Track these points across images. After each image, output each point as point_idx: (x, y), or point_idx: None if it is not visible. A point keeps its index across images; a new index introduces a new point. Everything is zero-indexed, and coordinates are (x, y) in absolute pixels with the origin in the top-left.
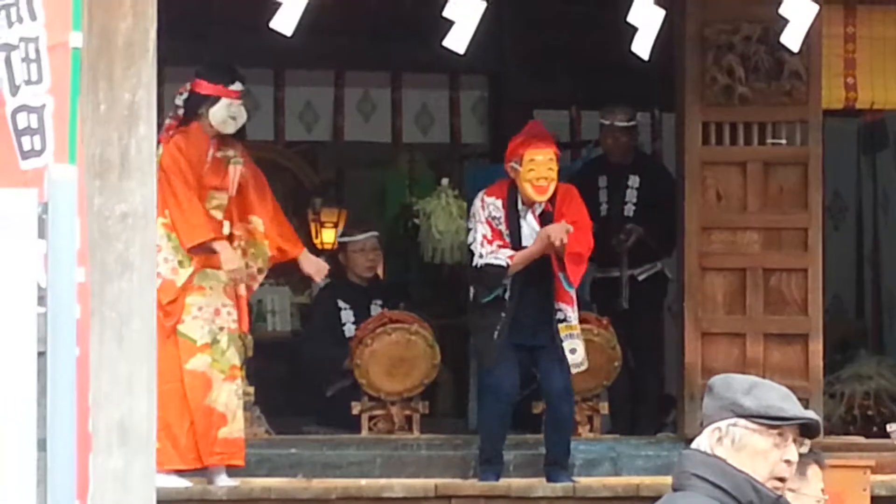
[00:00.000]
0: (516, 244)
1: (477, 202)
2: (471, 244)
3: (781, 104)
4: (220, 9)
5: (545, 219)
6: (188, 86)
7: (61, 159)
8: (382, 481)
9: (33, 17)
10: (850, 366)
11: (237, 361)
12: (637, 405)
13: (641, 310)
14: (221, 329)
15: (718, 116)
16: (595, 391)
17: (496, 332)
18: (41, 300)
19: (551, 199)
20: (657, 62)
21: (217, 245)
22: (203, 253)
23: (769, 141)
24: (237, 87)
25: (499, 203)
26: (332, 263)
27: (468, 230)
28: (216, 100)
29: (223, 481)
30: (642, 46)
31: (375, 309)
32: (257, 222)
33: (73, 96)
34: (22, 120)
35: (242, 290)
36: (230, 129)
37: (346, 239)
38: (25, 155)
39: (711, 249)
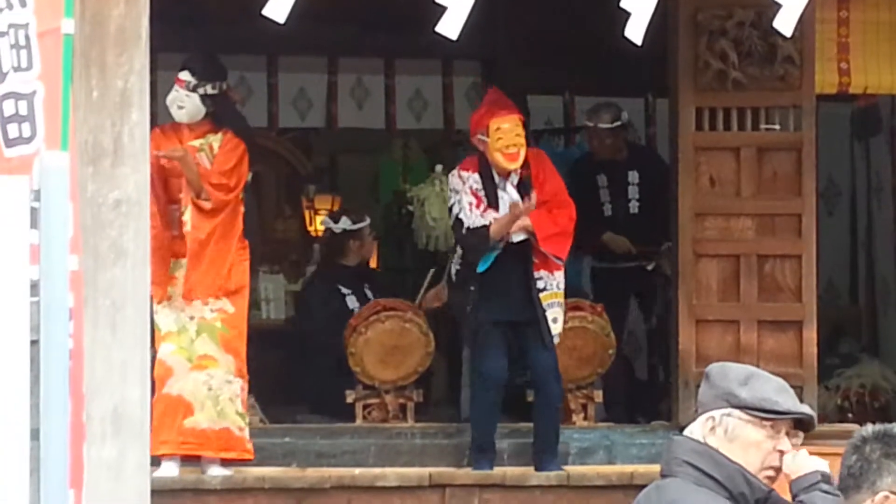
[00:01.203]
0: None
1: (454, 178)
2: (458, 214)
3: (775, 89)
4: None
5: (523, 186)
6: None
7: (53, 146)
8: (376, 470)
9: (23, 3)
10: (851, 369)
11: (210, 350)
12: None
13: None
14: (192, 318)
15: (712, 102)
16: (589, 379)
17: (468, 307)
18: (34, 289)
19: (525, 165)
20: (650, 47)
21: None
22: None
23: (763, 126)
24: (184, 76)
25: (476, 176)
26: (340, 247)
27: (450, 206)
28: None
29: (215, 471)
30: (635, 32)
31: (368, 293)
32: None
33: (65, 83)
34: (9, 107)
35: None
36: (176, 116)
37: (359, 225)
38: (10, 142)
39: (705, 236)
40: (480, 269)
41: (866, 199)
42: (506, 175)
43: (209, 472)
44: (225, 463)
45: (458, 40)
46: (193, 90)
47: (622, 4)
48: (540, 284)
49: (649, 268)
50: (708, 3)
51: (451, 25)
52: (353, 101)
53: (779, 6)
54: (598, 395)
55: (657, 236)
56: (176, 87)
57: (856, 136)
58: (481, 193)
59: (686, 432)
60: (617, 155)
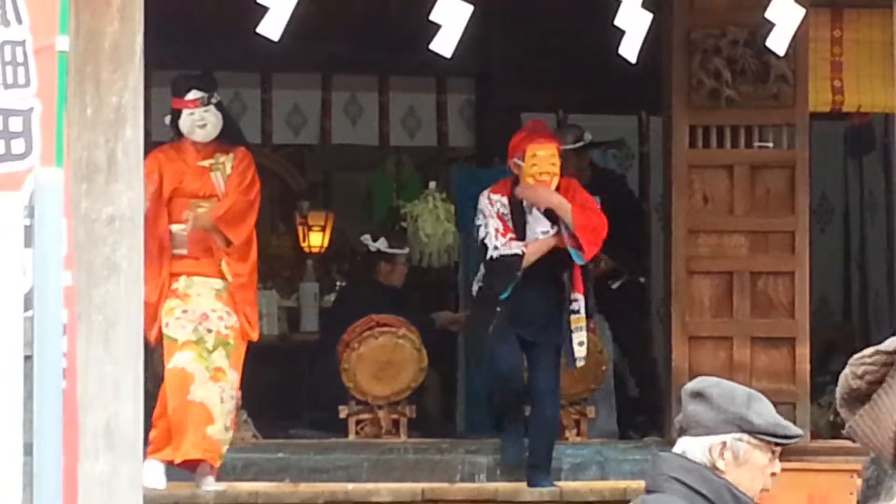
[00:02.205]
0: (522, 241)
1: (483, 200)
2: (483, 238)
3: (768, 107)
4: (207, 13)
5: (551, 215)
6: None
7: (47, 163)
8: (369, 485)
9: (19, 20)
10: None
11: (224, 365)
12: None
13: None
14: (209, 331)
15: (705, 119)
16: (582, 395)
17: (491, 327)
18: (28, 304)
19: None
20: (644, 65)
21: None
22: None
23: (756, 144)
24: (193, 95)
25: (505, 200)
26: (371, 266)
27: (476, 227)
28: (179, 112)
29: (210, 485)
30: (630, 50)
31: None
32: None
33: (59, 100)
34: (4, 123)
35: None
36: (199, 136)
37: (396, 251)
38: (2, 158)
39: (698, 253)
40: (503, 296)
41: (859, 216)
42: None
43: (204, 485)
44: (218, 476)
45: (452, 58)
46: (208, 104)
47: (617, 22)
48: (574, 306)
49: (614, 286)
50: (702, 21)
51: (445, 43)
52: (347, 118)
53: (772, 25)
54: (591, 412)
55: (624, 258)
56: (189, 109)
57: (849, 154)
58: (507, 218)
59: (677, 450)
60: (581, 177)
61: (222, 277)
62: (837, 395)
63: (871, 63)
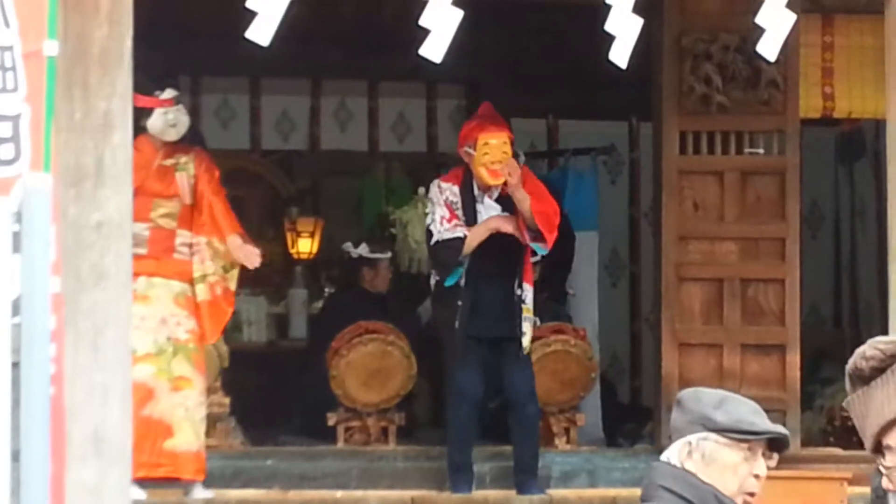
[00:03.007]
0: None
1: (433, 188)
2: (429, 225)
3: (759, 113)
4: (195, 18)
5: (503, 203)
6: None
7: (35, 168)
8: (358, 493)
9: (7, 24)
10: (832, 387)
11: (186, 372)
12: None
13: None
14: (168, 339)
15: (696, 126)
16: (572, 403)
17: (456, 322)
18: (15, 310)
19: (506, 183)
20: (635, 71)
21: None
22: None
23: (747, 150)
24: (168, 94)
25: (455, 189)
26: (355, 272)
27: (426, 215)
28: (150, 111)
29: (198, 493)
30: (620, 55)
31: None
32: (216, 243)
33: (48, 105)
34: None
35: (201, 296)
36: (171, 136)
37: (378, 256)
38: None
39: (688, 259)
40: (448, 283)
41: (850, 223)
42: (486, 190)
43: (193, 494)
44: (206, 483)
45: (442, 63)
46: (178, 103)
47: (607, 28)
48: (522, 296)
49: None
50: (692, 27)
51: (435, 49)
52: (337, 124)
53: (763, 30)
54: (581, 419)
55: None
56: (163, 108)
57: (840, 161)
58: (456, 207)
59: (663, 458)
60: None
61: (182, 280)
62: (847, 367)
63: (862, 69)
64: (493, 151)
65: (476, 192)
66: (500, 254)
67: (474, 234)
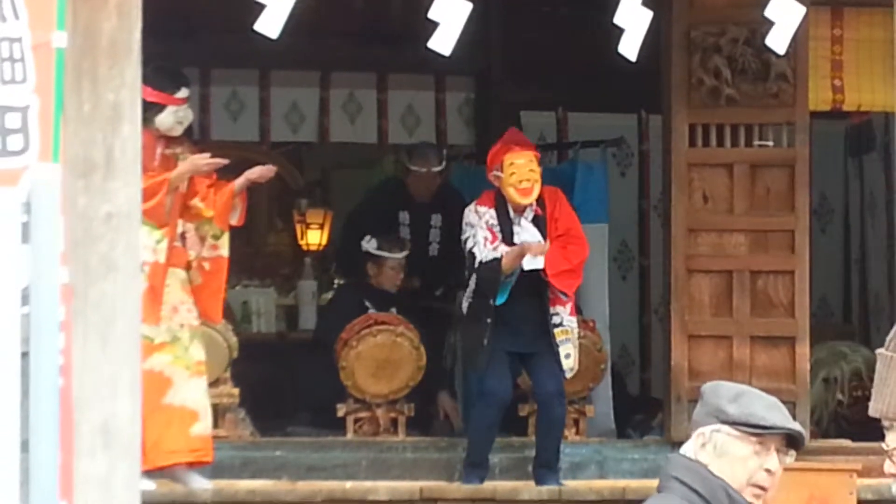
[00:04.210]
0: None
1: (470, 213)
2: (472, 248)
3: (768, 106)
4: (205, 10)
5: (538, 223)
6: None
7: (45, 159)
8: (367, 484)
9: (16, 16)
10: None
11: (202, 357)
12: None
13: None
14: (181, 326)
15: (705, 118)
16: (581, 394)
17: (485, 339)
18: (24, 300)
19: (540, 202)
20: (644, 64)
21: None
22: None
23: (756, 143)
24: (183, 93)
25: (492, 212)
26: (361, 269)
27: (464, 240)
28: (162, 107)
29: (197, 483)
30: (629, 48)
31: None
32: (196, 203)
33: (57, 96)
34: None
35: (196, 279)
36: (178, 132)
37: (384, 254)
38: None
39: (698, 252)
40: (499, 302)
41: (859, 216)
42: (520, 211)
43: (192, 482)
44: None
45: (451, 56)
46: (188, 102)
47: (616, 21)
48: (556, 320)
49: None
50: (702, 19)
51: (444, 41)
52: (346, 116)
53: (772, 23)
54: (591, 410)
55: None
56: (175, 106)
57: (849, 154)
58: (496, 229)
59: (682, 449)
60: (427, 196)
61: (185, 268)
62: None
63: (872, 62)
64: (519, 171)
65: (511, 214)
66: (533, 275)
67: (506, 260)
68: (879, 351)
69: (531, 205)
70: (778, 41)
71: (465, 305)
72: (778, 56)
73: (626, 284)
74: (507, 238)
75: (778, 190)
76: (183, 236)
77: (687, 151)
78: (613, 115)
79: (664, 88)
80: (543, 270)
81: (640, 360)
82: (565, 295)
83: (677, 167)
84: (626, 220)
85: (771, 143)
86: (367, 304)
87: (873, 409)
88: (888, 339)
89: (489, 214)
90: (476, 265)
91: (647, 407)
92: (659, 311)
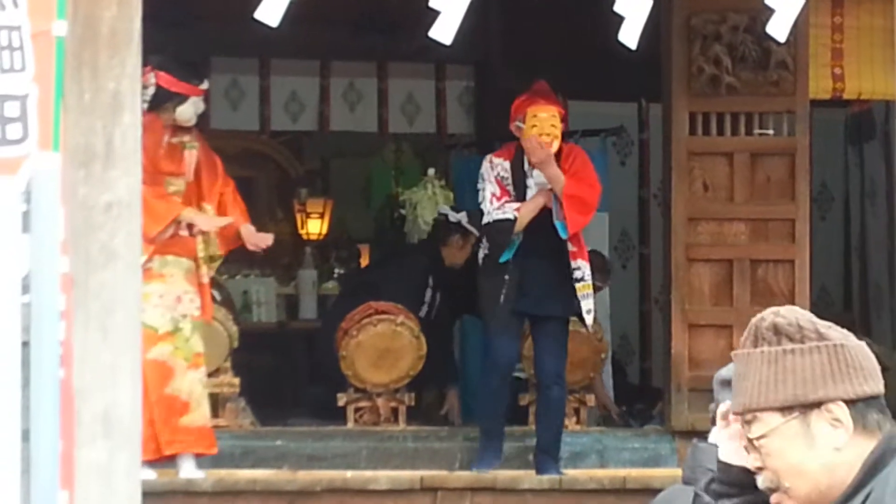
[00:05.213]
0: (523, 201)
1: (485, 163)
2: (481, 203)
3: (769, 94)
4: None
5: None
6: (152, 78)
7: (45, 148)
8: (368, 473)
9: (16, 4)
10: None
11: (201, 349)
12: None
13: None
14: (184, 316)
15: (705, 106)
16: (582, 383)
17: (501, 297)
18: (24, 289)
19: (557, 159)
20: (644, 52)
21: (186, 215)
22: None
23: (756, 131)
24: (205, 85)
25: (507, 164)
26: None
27: (478, 191)
28: (185, 98)
29: (189, 472)
30: (629, 36)
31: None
32: (208, 209)
33: (57, 85)
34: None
35: (205, 277)
36: (193, 122)
37: (472, 229)
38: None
39: (698, 240)
40: (502, 260)
41: (860, 204)
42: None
43: (183, 471)
44: (199, 460)
45: (451, 45)
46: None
47: (616, 9)
48: (577, 274)
49: None
50: (702, 7)
51: (444, 30)
52: (346, 105)
53: (773, 11)
54: (591, 399)
55: None
56: (197, 97)
57: (849, 142)
58: (506, 182)
59: (711, 439)
60: None
61: (189, 257)
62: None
63: (872, 50)
64: (541, 124)
65: (526, 166)
66: (551, 230)
67: (524, 212)
68: (734, 353)
69: None
70: (778, 29)
71: (480, 255)
72: (778, 44)
73: (627, 273)
74: (520, 190)
75: (778, 178)
76: (191, 226)
77: (687, 140)
78: (613, 103)
79: (664, 77)
80: (558, 208)
81: (640, 350)
82: (564, 232)
83: (677, 156)
84: (626, 208)
85: (771, 132)
86: (430, 277)
87: (734, 405)
88: (742, 339)
89: (502, 166)
90: (484, 223)
91: (647, 396)
92: (659, 301)
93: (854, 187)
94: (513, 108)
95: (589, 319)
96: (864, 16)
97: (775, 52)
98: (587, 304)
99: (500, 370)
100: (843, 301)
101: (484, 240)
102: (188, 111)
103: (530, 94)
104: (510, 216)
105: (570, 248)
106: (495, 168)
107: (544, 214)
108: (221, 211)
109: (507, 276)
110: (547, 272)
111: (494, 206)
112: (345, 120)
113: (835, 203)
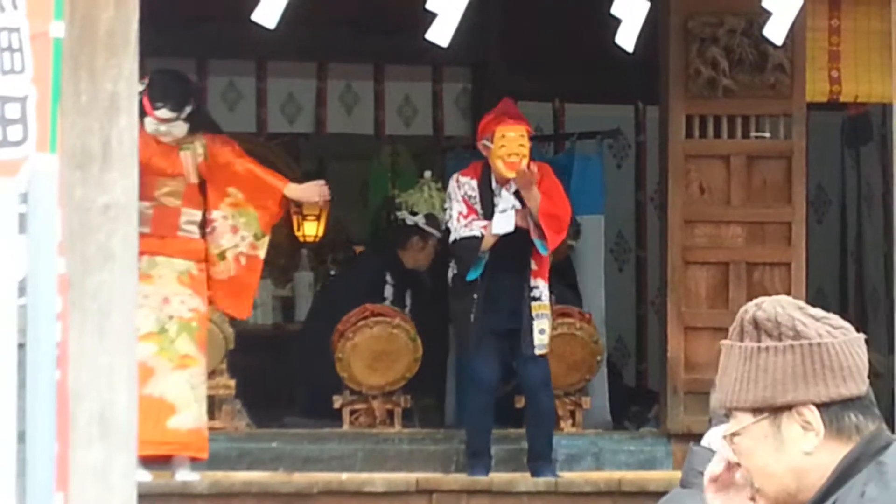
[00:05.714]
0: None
1: (452, 182)
2: (447, 222)
3: (765, 97)
4: (202, 0)
5: (519, 196)
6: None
7: (42, 150)
8: (364, 475)
9: (15, 6)
10: None
11: (191, 351)
12: None
13: None
14: (171, 318)
15: (702, 109)
16: (577, 386)
17: (472, 315)
18: (21, 291)
19: (517, 176)
20: (641, 55)
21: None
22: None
23: (753, 134)
24: (161, 114)
25: (473, 183)
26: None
27: (445, 211)
28: (144, 113)
29: (183, 475)
30: (626, 39)
31: (408, 297)
32: (235, 192)
33: (54, 86)
34: None
35: (225, 271)
36: (165, 140)
37: (432, 230)
38: None
39: (695, 243)
40: (469, 277)
41: (856, 207)
42: (504, 183)
43: (178, 475)
44: (193, 463)
45: (448, 47)
46: (176, 121)
47: (613, 12)
48: (535, 293)
49: None
50: (699, 10)
51: (441, 32)
52: (343, 107)
53: (770, 14)
54: (587, 402)
55: None
56: (156, 122)
57: (846, 145)
58: (474, 201)
59: (704, 442)
60: None
61: (187, 258)
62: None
63: (869, 53)
64: (509, 144)
65: (494, 185)
66: (516, 248)
67: (490, 235)
68: (721, 342)
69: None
70: (775, 32)
71: (450, 275)
72: (775, 47)
73: (623, 276)
74: (487, 208)
75: (775, 181)
76: (209, 223)
77: (684, 143)
78: (610, 106)
79: (661, 79)
80: (525, 232)
81: (636, 352)
82: (545, 249)
83: (674, 158)
84: (622, 211)
85: (768, 135)
86: (388, 277)
87: (715, 400)
88: (730, 329)
89: (469, 185)
90: (451, 241)
91: (643, 399)
92: (655, 303)
93: (850, 190)
94: (480, 127)
95: (539, 340)
96: (861, 19)
97: (772, 55)
98: (540, 324)
99: (483, 387)
100: (839, 304)
101: (452, 261)
102: (148, 126)
103: (497, 114)
104: (477, 233)
105: (532, 266)
106: (462, 187)
107: (511, 233)
108: (250, 190)
109: (475, 295)
110: (508, 288)
111: (461, 224)
112: (342, 122)
113: (831, 206)
